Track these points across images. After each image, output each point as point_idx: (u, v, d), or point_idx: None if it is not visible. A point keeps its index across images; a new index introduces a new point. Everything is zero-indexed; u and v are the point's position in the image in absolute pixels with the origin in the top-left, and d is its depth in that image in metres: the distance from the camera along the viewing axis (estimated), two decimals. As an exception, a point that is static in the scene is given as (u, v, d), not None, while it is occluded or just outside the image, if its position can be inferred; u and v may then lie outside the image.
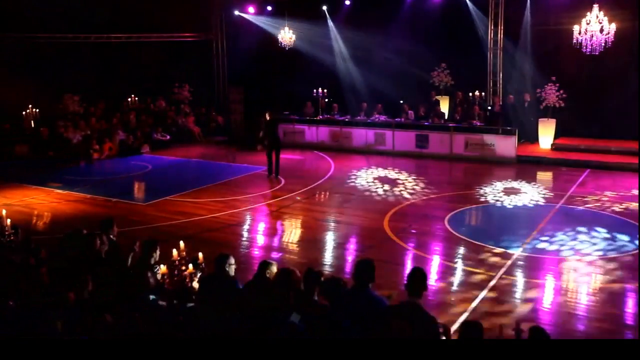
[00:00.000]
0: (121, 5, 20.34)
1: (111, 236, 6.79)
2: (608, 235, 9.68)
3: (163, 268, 5.77)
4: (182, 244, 6.27)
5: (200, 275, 5.80)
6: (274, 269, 5.33)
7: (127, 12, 20.41)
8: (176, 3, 21.48)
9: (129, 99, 21.79)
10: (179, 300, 5.06)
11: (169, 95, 22.39)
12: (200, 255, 5.97)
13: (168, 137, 19.98)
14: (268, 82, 21.50)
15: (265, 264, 5.40)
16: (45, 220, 11.61)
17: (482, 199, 12.30)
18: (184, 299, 5.10)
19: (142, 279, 5.33)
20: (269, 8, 21.66)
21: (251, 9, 21.87)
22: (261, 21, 21.88)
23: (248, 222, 11.37)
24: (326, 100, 20.24)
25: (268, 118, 14.92)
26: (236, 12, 22.30)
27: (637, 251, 8.89)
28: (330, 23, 21.18)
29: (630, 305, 7.19)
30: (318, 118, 19.87)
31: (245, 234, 10.61)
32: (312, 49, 20.71)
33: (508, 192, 12.88)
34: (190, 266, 5.79)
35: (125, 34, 21.08)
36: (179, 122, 21.23)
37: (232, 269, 5.52)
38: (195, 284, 5.69)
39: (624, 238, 9.54)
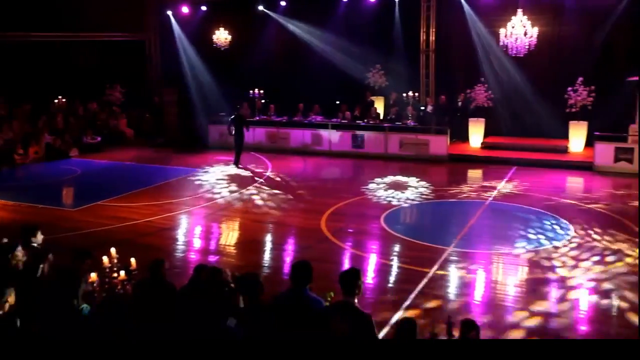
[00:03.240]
0: (49, 2, 19.47)
1: (35, 244, 6.45)
2: (535, 229, 10.14)
3: (93, 276, 5.57)
4: (113, 250, 6.08)
5: (133, 282, 5.64)
6: (209, 272, 5.26)
7: (56, 9, 19.56)
8: (108, 1, 20.79)
9: (56, 101, 20.89)
10: (110, 308, 4.91)
11: (100, 97, 21.63)
12: (133, 261, 5.81)
13: (99, 139, 19.30)
14: (203, 83, 21.19)
15: (200, 268, 5.32)
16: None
17: (417, 197, 12.60)
18: (115, 307, 4.95)
19: (72, 288, 5.13)
20: (204, 8, 21.36)
21: (185, 9, 21.48)
22: (195, 21, 21.54)
23: (184, 225, 11.16)
24: (262, 101, 20.16)
25: (236, 114, 16.42)
26: (169, 12, 21.84)
27: (568, 244, 9.37)
28: (266, 23, 21.11)
29: (553, 295, 7.55)
30: (255, 119, 19.75)
31: (181, 238, 10.40)
32: (248, 50, 20.58)
33: (440, 189, 13.26)
34: (122, 273, 5.62)
35: (53, 32, 20.16)
36: (110, 124, 20.56)
37: (164, 274, 5.40)
38: (129, 291, 5.53)
39: (549, 231, 10.02)
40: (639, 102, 15.16)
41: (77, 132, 19.11)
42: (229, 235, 10.77)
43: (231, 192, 13.26)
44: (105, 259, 5.87)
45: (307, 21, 19.90)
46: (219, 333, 4.46)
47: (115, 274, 5.67)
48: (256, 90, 19.88)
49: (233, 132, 16.26)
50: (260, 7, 20.77)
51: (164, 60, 22.90)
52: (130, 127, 20.69)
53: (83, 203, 12.35)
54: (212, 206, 12.20)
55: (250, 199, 12.86)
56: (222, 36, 19.95)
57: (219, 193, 13.21)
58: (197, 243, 10.20)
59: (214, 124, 20.07)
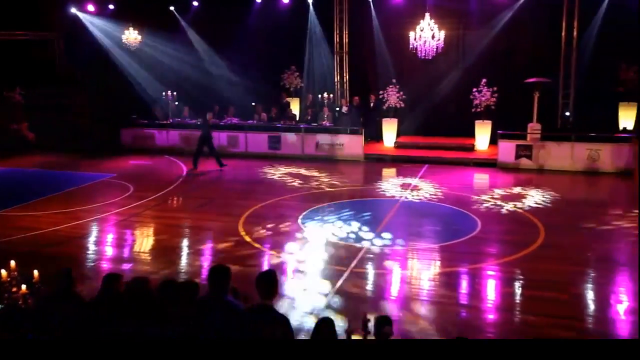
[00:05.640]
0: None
1: None
2: (445, 224, 10.58)
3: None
4: (12, 263, 5.71)
5: (37, 296, 5.32)
6: (121, 281, 5.07)
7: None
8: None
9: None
10: (10, 324, 4.61)
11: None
12: (36, 273, 5.49)
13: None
14: (113, 85, 20.34)
15: (110, 278, 5.11)
16: None
17: (334, 197, 12.78)
18: (16, 322, 4.66)
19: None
20: (111, 7, 20.54)
21: (91, 7, 20.54)
22: (103, 21, 20.67)
23: (95, 233, 10.68)
24: (176, 103, 19.70)
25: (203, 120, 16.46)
26: (74, 11, 20.79)
27: (476, 237, 9.84)
28: (178, 24, 20.63)
29: (463, 287, 7.93)
30: (168, 122, 19.27)
31: (92, 247, 9.96)
32: (159, 51, 20.04)
33: (358, 189, 13.54)
34: (24, 286, 5.29)
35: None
36: (10, 128, 19.28)
37: (73, 284, 5.14)
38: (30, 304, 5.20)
39: (459, 226, 10.49)
40: (537, 102, 16.20)
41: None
42: (143, 241, 10.43)
43: (145, 197, 12.85)
44: (3, 272, 5.50)
45: (221, 22, 19.64)
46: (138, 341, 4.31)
47: (15, 289, 5.33)
48: (169, 93, 19.39)
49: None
50: (172, 8, 20.28)
51: (71, 61, 21.74)
52: (32, 131, 19.48)
53: (-19, 213, 11.53)
54: (124, 212, 11.76)
55: (164, 203, 12.53)
56: (131, 36, 19.28)
57: (133, 198, 12.77)
58: (109, 251, 9.80)
59: (126, 127, 19.39)
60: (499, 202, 12.20)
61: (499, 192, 13.24)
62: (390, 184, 14.11)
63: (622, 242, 9.87)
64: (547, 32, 17.25)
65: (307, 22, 19.34)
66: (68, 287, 5.21)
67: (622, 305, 7.29)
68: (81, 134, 19.72)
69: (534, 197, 12.59)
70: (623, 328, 6.74)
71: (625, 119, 16.78)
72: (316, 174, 15.18)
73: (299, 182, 14.26)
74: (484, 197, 12.72)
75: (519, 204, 11.97)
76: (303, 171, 15.51)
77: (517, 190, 13.41)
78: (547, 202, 12.21)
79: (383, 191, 13.33)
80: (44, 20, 21.20)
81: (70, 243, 9.90)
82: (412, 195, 12.86)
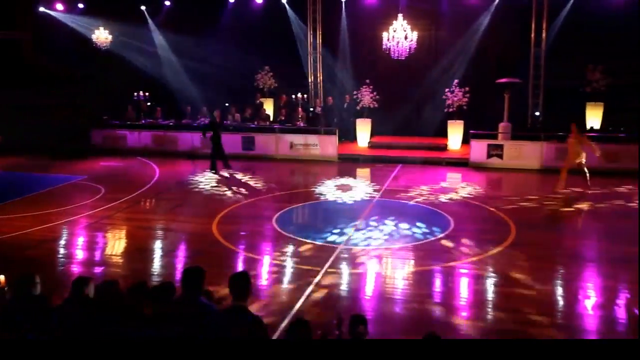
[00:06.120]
0: None
1: None
2: (419, 224, 10.67)
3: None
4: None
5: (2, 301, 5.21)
6: (91, 285, 4.99)
7: None
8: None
9: None
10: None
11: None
12: (2, 278, 5.38)
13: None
14: (82, 85, 20.01)
15: (79, 281, 5.03)
16: None
17: (308, 197, 12.80)
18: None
19: None
20: (81, 6, 20.21)
21: (59, 6, 20.19)
22: (72, 20, 20.33)
23: (65, 236, 10.49)
24: (148, 104, 19.49)
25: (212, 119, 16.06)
26: (42, 9, 20.40)
27: (449, 235, 9.96)
28: (149, 24, 20.42)
29: (437, 285, 8.01)
30: (140, 123, 19.05)
31: (62, 250, 9.78)
32: (131, 51, 19.80)
33: (331, 189, 13.57)
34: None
35: None
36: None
37: (37, 288, 5.04)
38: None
39: (432, 225, 10.60)
40: (508, 102, 16.47)
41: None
42: (115, 244, 10.28)
43: (117, 199, 12.67)
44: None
45: (194, 22, 19.49)
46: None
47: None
48: (141, 93, 19.16)
49: (207, 136, 15.77)
50: (143, 7, 20.06)
51: (46, 60, 21.25)
52: (1, 132, 19.01)
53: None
54: (95, 214, 11.58)
55: (136, 205, 12.38)
56: (102, 36, 19.01)
57: (104, 200, 12.59)
58: (80, 254, 9.64)
59: (97, 127, 19.11)
60: (471, 201, 12.36)
61: (471, 191, 13.41)
62: (365, 184, 14.18)
63: (591, 238, 10.11)
64: (517, 33, 17.57)
65: (281, 23, 19.31)
66: (29, 291, 5.07)
67: (590, 301, 7.46)
68: (51, 135, 19.34)
69: (504, 196, 12.78)
70: (591, 323, 6.89)
71: (592, 118, 17.17)
72: (290, 174, 15.16)
73: (272, 181, 14.22)
74: (457, 196, 12.88)
75: (490, 203, 12.15)
76: (277, 172, 15.47)
77: (488, 189, 13.60)
78: (518, 201, 12.41)
79: (357, 191, 13.38)
80: (12, 19, 20.76)
81: (40, 247, 9.71)
82: (386, 195, 12.93)
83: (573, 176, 13.14)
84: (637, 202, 11.86)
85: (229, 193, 13.26)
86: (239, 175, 15.14)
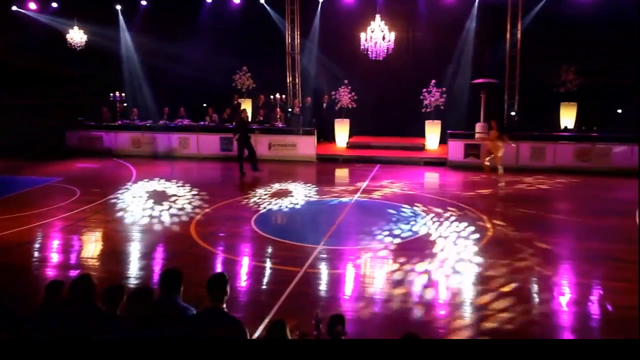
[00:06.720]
0: None
1: None
2: (397, 223, 10.74)
3: None
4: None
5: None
6: (64, 288, 4.92)
7: None
8: None
9: None
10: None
11: None
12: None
13: None
14: (57, 86, 19.69)
15: (52, 285, 4.95)
16: None
17: (287, 198, 12.78)
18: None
19: None
20: (55, 5, 19.90)
21: (32, 5, 19.85)
22: (46, 19, 20.00)
23: (39, 239, 10.31)
24: (124, 104, 19.28)
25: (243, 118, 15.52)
26: (14, 8, 20.03)
27: (427, 234, 10.03)
28: (122, 25, 20.20)
29: (416, 284, 8.06)
30: (116, 124, 18.84)
31: (37, 253, 9.61)
32: (107, 51, 19.57)
33: (308, 189, 13.57)
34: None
35: None
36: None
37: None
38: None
39: (410, 225, 10.67)
40: (484, 102, 16.67)
41: None
42: (91, 246, 10.14)
43: (93, 201, 12.51)
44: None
45: (170, 21, 19.33)
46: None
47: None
48: (117, 93, 18.95)
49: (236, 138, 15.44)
50: (118, 7, 19.85)
51: (20, 60, 20.83)
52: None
53: None
54: (70, 217, 11.42)
55: (113, 207, 12.23)
56: (76, 36, 18.74)
57: (80, 202, 12.41)
58: (55, 257, 9.48)
59: (72, 128, 18.84)
60: (448, 200, 12.47)
61: (448, 189, 13.52)
62: (343, 184, 14.22)
63: (565, 236, 10.28)
64: (493, 34, 17.78)
65: (259, 23, 19.26)
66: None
67: (564, 298, 7.58)
68: (25, 136, 19.00)
69: (482, 195, 12.93)
70: (566, 320, 7.01)
71: (566, 118, 17.46)
72: (269, 175, 15.11)
73: (251, 182, 14.16)
74: (434, 194, 12.98)
75: (467, 202, 12.27)
76: (255, 172, 15.40)
77: (465, 187, 13.74)
78: (494, 200, 12.56)
79: (336, 191, 13.41)
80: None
81: (14, 250, 9.54)
82: (365, 195, 12.98)
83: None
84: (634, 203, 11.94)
85: (207, 194, 13.15)
86: (220, 179, 15.04)
